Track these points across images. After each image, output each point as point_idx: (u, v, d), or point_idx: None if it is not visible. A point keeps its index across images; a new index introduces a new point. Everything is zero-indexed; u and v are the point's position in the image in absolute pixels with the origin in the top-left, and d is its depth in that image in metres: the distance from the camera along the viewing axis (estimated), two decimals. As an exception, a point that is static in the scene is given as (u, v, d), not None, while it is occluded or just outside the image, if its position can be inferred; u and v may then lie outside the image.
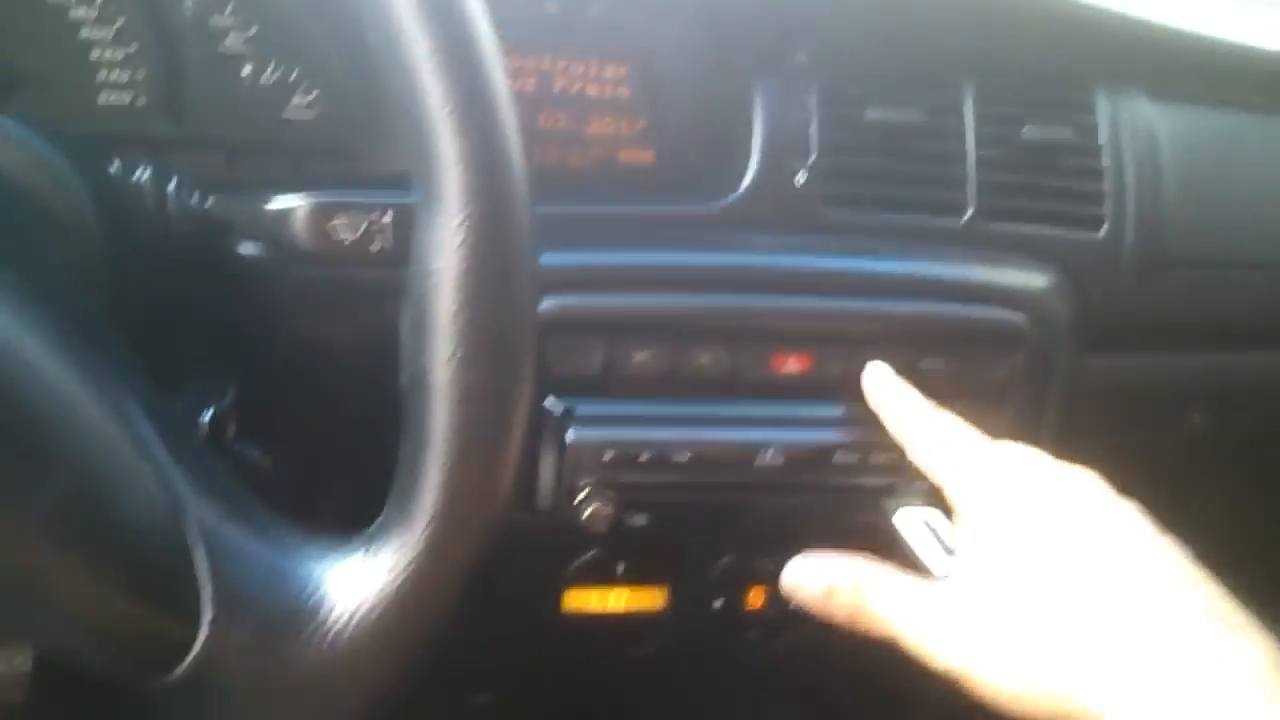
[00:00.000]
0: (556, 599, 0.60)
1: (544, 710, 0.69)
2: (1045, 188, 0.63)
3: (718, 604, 0.62)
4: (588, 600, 0.60)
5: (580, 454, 0.53)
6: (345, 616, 0.30)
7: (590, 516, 0.53)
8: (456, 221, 0.30)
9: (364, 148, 0.55)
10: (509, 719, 0.65)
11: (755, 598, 0.62)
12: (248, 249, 0.45)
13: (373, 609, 0.30)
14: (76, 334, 0.31)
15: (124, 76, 0.52)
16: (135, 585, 0.29)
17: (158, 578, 0.29)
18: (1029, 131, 0.62)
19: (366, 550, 0.31)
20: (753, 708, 0.78)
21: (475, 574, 0.32)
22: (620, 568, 0.59)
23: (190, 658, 0.29)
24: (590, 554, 0.58)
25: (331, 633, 0.30)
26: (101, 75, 0.52)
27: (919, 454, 0.51)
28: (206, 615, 0.29)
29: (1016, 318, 0.60)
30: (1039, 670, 0.39)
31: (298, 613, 0.30)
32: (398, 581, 0.30)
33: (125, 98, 0.52)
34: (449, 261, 0.30)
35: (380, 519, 0.32)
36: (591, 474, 0.53)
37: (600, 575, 0.59)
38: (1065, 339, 0.62)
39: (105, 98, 0.52)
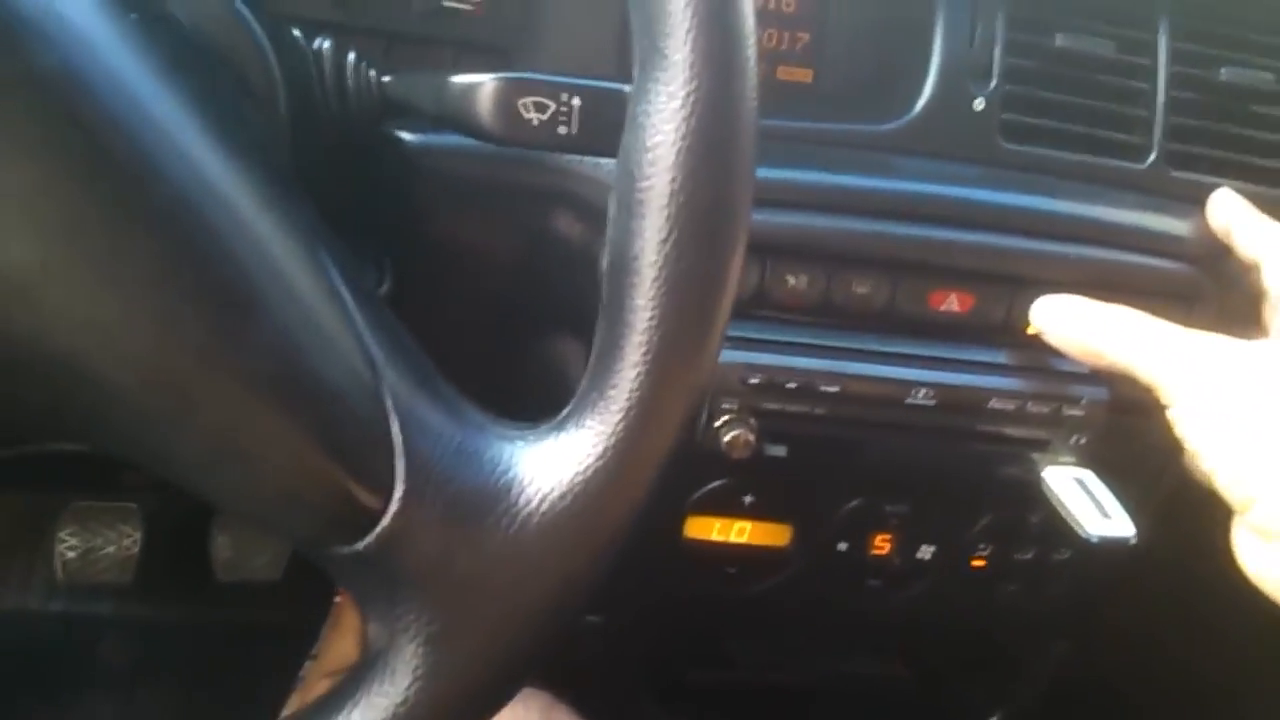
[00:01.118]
0: (679, 525, 0.58)
1: (651, 636, 0.68)
2: (1236, 136, 0.58)
3: (842, 547, 0.60)
4: (710, 529, 0.58)
5: (727, 375, 0.51)
6: (535, 501, 0.29)
7: (731, 442, 0.51)
8: (684, 93, 0.27)
9: (519, 45, 0.53)
10: (616, 641, 0.64)
11: (881, 544, 0.60)
12: (412, 137, 0.44)
13: (564, 495, 0.29)
14: (277, 190, 0.30)
15: None
16: (333, 449, 0.27)
17: (354, 443, 0.28)
18: (1226, 74, 0.57)
19: (560, 433, 0.29)
20: (852, 660, 0.76)
21: (669, 470, 0.30)
22: (748, 499, 0.57)
23: (378, 529, 0.28)
24: (719, 482, 0.56)
25: (521, 516, 0.28)
26: None
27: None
28: (399, 488, 0.28)
29: (1192, 272, 0.56)
30: None
31: (488, 493, 0.28)
32: (591, 468, 0.29)
33: None
34: (670, 136, 0.28)
35: (573, 403, 0.30)
36: (736, 397, 0.51)
37: (726, 505, 0.57)
38: (1247, 296, 0.58)
39: None
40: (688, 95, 0.27)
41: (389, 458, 0.28)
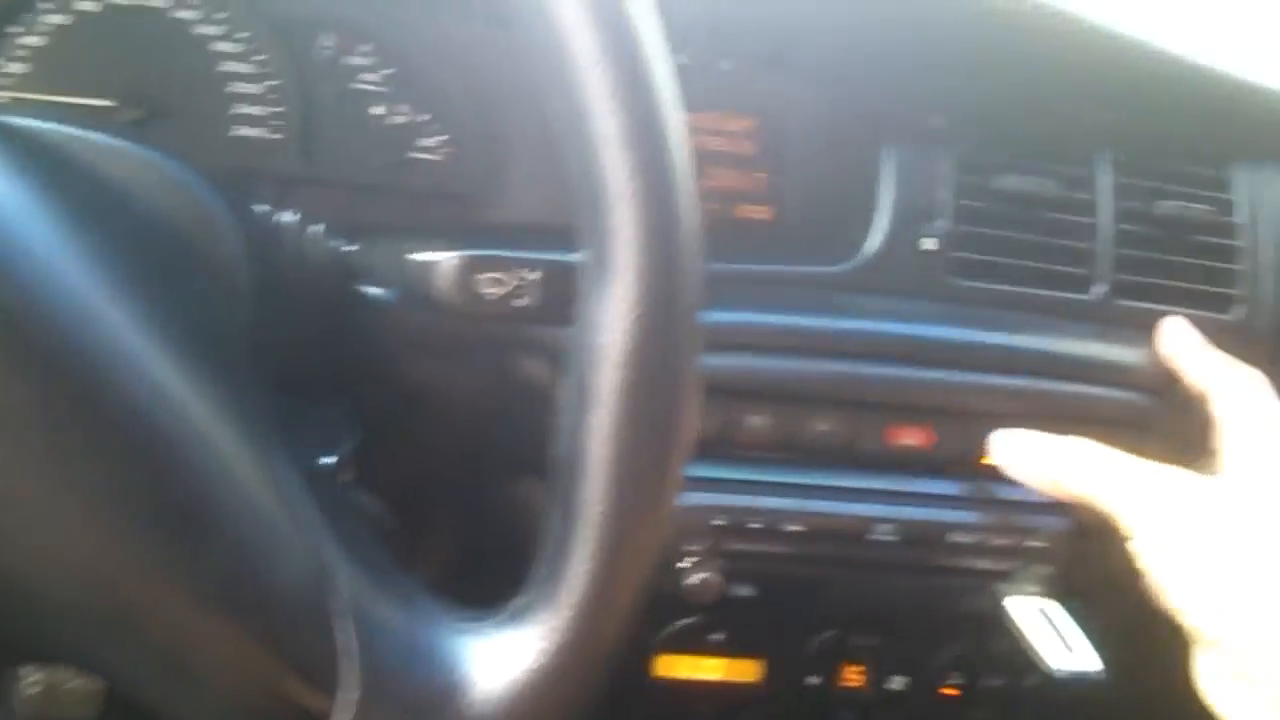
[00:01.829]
0: (648, 663, 0.58)
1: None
2: (1179, 265, 0.60)
3: (813, 680, 0.59)
4: (680, 667, 0.58)
5: (690, 518, 0.51)
6: (488, 700, 0.29)
7: (698, 586, 0.51)
8: (630, 298, 0.28)
9: (486, 194, 0.55)
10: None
11: (852, 676, 0.60)
12: (378, 293, 0.44)
13: (518, 692, 0.29)
14: (232, 384, 0.30)
15: (260, 111, 0.52)
16: (282, 657, 0.27)
17: (304, 649, 0.28)
18: (1165, 206, 0.60)
19: (511, 627, 0.30)
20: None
21: (618, 656, 0.30)
22: (717, 636, 0.57)
23: (333, 736, 0.28)
24: (688, 621, 0.56)
25: (474, 715, 0.28)
26: (238, 109, 0.52)
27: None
28: (353, 692, 0.28)
29: (1147, 402, 0.57)
30: None
31: (442, 692, 0.29)
32: (542, 663, 0.29)
33: (260, 131, 0.52)
34: (617, 338, 0.29)
35: (525, 593, 0.30)
36: (700, 539, 0.51)
37: (696, 643, 0.57)
38: (1198, 424, 0.59)
39: (240, 131, 0.52)
40: (634, 301, 0.28)
41: (340, 662, 0.28)
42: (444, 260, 0.38)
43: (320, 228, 0.42)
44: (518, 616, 0.30)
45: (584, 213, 0.29)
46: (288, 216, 0.42)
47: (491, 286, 0.37)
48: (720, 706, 0.60)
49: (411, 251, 0.40)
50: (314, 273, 0.43)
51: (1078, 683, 0.50)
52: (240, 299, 0.36)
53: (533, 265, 0.37)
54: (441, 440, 0.51)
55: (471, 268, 0.37)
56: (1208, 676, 0.44)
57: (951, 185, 0.56)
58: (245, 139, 0.52)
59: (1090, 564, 0.56)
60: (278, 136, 0.52)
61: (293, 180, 0.53)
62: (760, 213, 0.61)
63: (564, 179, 0.30)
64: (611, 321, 0.29)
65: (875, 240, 0.56)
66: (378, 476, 0.48)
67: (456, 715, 0.28)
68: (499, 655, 0.29)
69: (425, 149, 0.54)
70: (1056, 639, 0.52)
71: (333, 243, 0.43)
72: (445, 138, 0.54)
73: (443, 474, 0.52)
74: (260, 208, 0.42)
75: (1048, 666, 0.51)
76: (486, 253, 0.38)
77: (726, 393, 0.52)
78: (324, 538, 0.30)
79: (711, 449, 0.53)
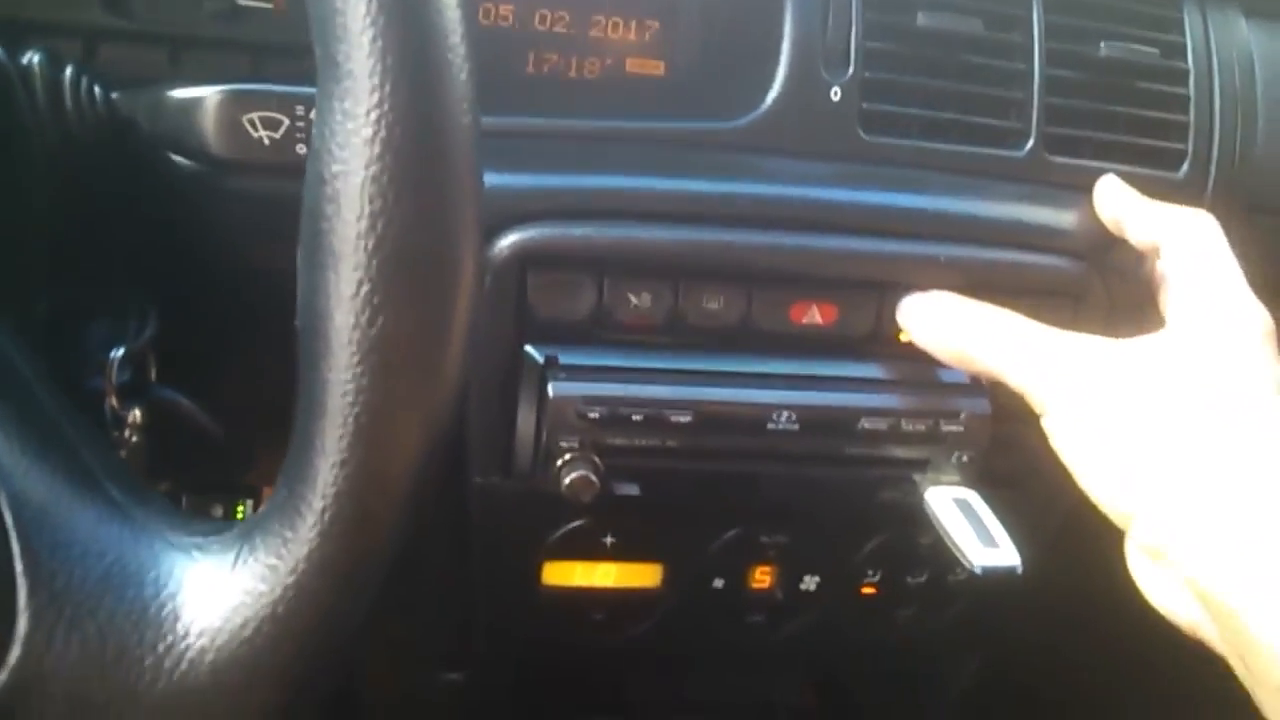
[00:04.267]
0: (536, 571, 0.53)
1: (523, 691, 0.62)
2: (1120, 117, 0.54)
3: (718, 583, 0.55)
4: (571, 574, 0.53)
5: (563, 410, 0.45)
6: (208, 634, 0.23)
7: (571, 485, 0.45)
8: (364, 109, 0.22)
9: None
10: (483, 699, 0.58)
11: (761, 578, 0.55)
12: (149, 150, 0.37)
13: (243, 625, 0.23)
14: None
15: None
16: None
17: None
18: (1106, 49, 0.53)
19: (243, 545, 0.24)
20: (753, 691, 0.72)
21: (382, 583, 0.25)
22: (608, 540, 0.52)
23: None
24: (574, 524, 0.51)
25: (189, 654, 0.23)
26: None
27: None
28: (21, 624, 0.22)
29: (1079, 268, 0.51)
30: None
31: (145, 624, 0.23)
32: (278, 589, 0.23)
33: None
34: (354, 164, 0.22)
35: (263, 506, 0.24)
36: (575, 434, 0.46)
37: (586, 548, 0.52)
38: (1138, 291, 0.54)
39: None
40: (369, 113, 0.22)
41: (8, 587, 0.22)
42: (207, 96, 0.31)
43: (70, 69, 0.35)
44: (251, 530, 0.24)
45: (311, 10, 0.22)
46: (33, 58, 0.35)
47: (264, 128, 0.30)
48: (619, 615, 0.55)
49: (175, 89, 0.33)
50: (75, 129, 0.35)
51: (999, 578, 0.46)
52: None
53: (310, 100, 0.30)
54: (255, 324, 0.44)
55: (238, 105, 0.30)
56: (1134, 563, 0.40)
57: (861, 25, 0.49)
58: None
59: (1015, 448, 0.51)
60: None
61: (102, 34, 0.45)
62: (652, 67, 0.53)
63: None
64: (344, 145, 0.22)
65: (774, 92, 0.49)
66: (192, 374, 0.42)
67: (167, 653, 0.23)
68: (225, 579, 0.23)
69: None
70: (975, 532, 0.47)
71: (95, 88, 0.35)
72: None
73: (264, 364, 0.46)
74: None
75: (968, 562, 0.46)
76: (254, 86, 0.31)
77: (602, 266, 0.46)
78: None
79: (586, 331, 0.46)
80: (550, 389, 0.45)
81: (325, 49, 0.22)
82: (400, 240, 0.22)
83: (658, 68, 0.53)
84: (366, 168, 0.22)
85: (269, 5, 0.47)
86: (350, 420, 0.22)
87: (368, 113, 0.22)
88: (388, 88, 0.22)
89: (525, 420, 0.47)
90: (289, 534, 0.23)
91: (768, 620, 0.56)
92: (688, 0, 0.52)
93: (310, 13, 0.22)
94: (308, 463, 0.23)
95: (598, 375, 0.46)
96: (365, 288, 0.22)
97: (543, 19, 0.52)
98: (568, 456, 0.46)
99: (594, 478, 0.45)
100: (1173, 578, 0.36)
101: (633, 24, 0.53)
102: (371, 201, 0.22)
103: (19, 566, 0.22)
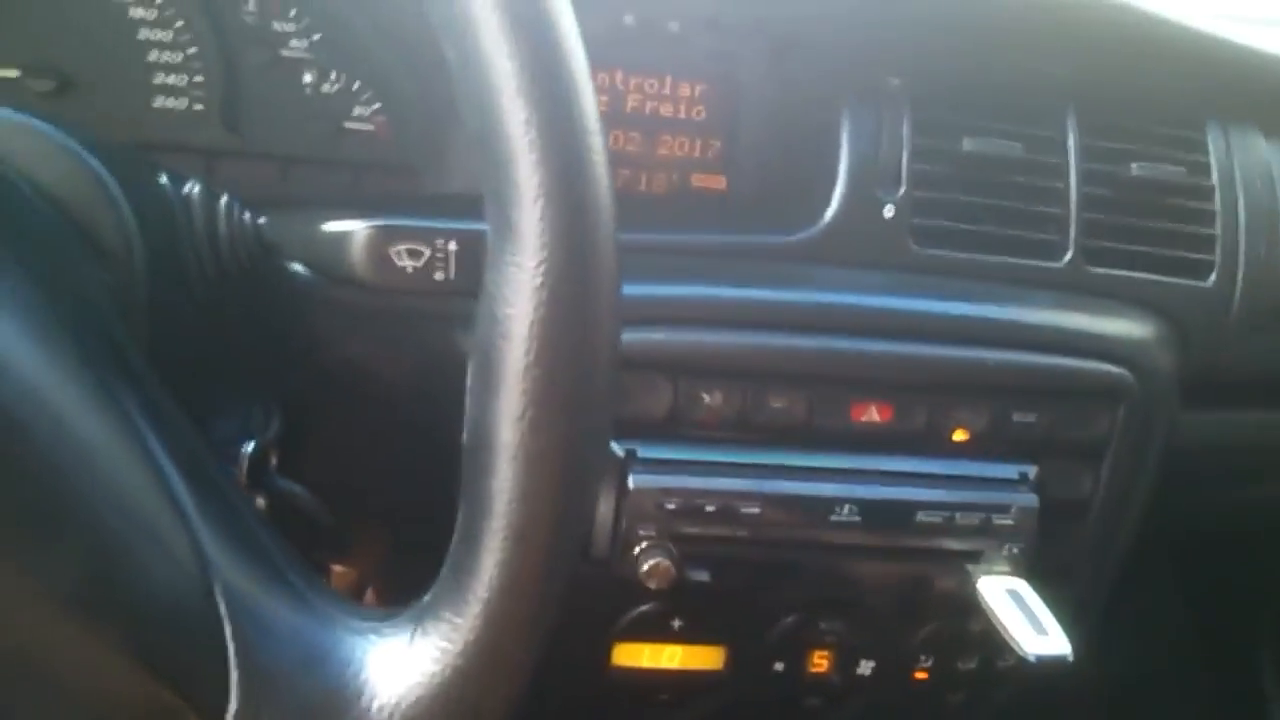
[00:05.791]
0: (606, 653, 0.56)
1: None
2: (1152, 231, 0.58)
3: (778, 666, 0.57)
4: (639, 656, 0.56)
5: (642, 500, 0.49)
6: (389, 708, 0.26)
7: (649, 571, 0.49)
8: (533, 264, 0.26)
9: (426, 164, 0.52)
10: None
11: (819, 662, 0.58)
12: (299, 268, 0.42)
13: (419, 700, 0.26)
14: (107, 369, 0.28)
15: (181, 80, 0.49)
16: (155, 667, 0.25)
17: (181, 658, 0.25)
18: (1137, 169, 0.57)
19: (415, 630, 0.27)
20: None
21: (539, 660, 0.28)
22: (676, 623, 0.55)
23: (213, 749, 0.25)
24: (645, 608, 0.54)
25: (370, 724, 0.26)
26: (158, 79, 0.50)
27: None
28: (233, 704, 0.25)
29: (1118, 371, 0.55)
30: None
31: (336, 700, 0.26)
32: (448, 670, 0.26)
33: (181, 102, 0.49)
34: (522, 309, 0.26)
35: (431, 593, 0.28)
36: (653, 523, 0.49)
37: (655, 630, 0.55)
38: (1168, 394, 0.57)
39: (160, 102, 0.50)
40: (538, 266, 0.26)
41: (222, 669, 0.25)
42: (357, 230, 0.35)
43: (225, 198, 0.40)
44: (421, 616, 0.27)
45: (483, 173, 0.27)
46: (194, 188, 0.40)
47: (409, 258, 0.35)
48: (683, 695, 0.58)
49: (326, 222, 0.38)
50: (224, 250, 0.40)
51: (1050, 666, 0.48)
52: (131, 273, 0.34)
53: (449, 235, 0.35)
54: (370, 425, 0.48)
55: (386, 238, 0.35)
56: None
57: (911, 149, 0.54)
58: (166, 110, 0.50)
59: (1059, 541, 0.54)
60: (199, 107, 0.49)
61: (220, 153, 0.50)
62: (715, 182, 0.58)
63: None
64: (515, 292, 0.26)
65: (834, 208, 0.54)
66: (306, 466, 0.46)
67: (352, 722, 0.26)
68: (401, 659, 0.27)
69: (360, 119, 0.52)
70: (1027, 621, 0.50)
71: (245, 215, 0.40)
72: (379, 106, 0.51)
73: (375, 461, 0.50)
74: (163, 180, 0.39)
75: (1021, 650, 0.49)
76: (399, 222, 0.35)
77: (679, 370, 0.50)
78: (208, 534, 0.27)
79: (663, 429, 0.50)
80: (631, 481, 0.49)
81: (499, 209, 0.26)
82: (559, 374, 0.26)
83: (720, 183, 0.58)
84: (535, 312, 0.26)
85: (371, 128, 0.53)
86: (513, 525, 0.26)
87: (536, 266, 0.26)
88: (552, 248, 0.26)
89: (605, 508, 0.50)
90: (457, 619, 0.27)
91: (825, 703, 0.59)
92: (749, 120, 0.57)
93: (483, 173, 0.27)
94: (471, 561, 0.27)
95: (674, 468, 0.50)
96: (530, 411, 0.26)
97: (616, 139, 0.57)
98: (645, 544, 0.49)
99: (670, 564, 0.49)
100: None
101: (697, 143, 0.58)
102: (537, 340, 0.26)
103: (231, 650, 0.25)
